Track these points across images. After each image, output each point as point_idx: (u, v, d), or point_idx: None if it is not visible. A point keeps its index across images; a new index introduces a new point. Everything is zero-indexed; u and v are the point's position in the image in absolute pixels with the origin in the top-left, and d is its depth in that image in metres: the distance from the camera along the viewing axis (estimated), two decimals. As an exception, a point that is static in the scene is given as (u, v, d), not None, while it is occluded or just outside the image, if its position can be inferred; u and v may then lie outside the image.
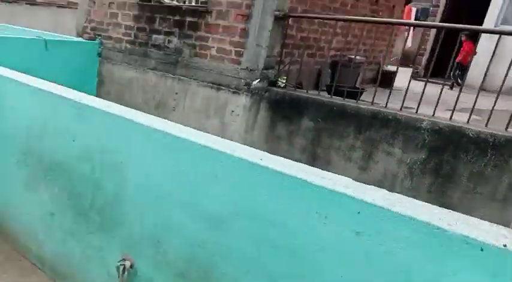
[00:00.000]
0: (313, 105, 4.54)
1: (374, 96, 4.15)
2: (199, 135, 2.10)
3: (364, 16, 6.33)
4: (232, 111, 5.26)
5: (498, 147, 3.47)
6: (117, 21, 6.16)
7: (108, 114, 2.46)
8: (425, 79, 4.07)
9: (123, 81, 6.39)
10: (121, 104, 6.70)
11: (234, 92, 5.16)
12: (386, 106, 4.08)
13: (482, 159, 3.56)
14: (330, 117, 4.43)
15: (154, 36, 5.78)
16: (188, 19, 5.32)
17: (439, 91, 3.88)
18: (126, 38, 6.15)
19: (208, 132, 5.76)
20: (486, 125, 3.56)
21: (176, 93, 5.77)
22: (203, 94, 5.46)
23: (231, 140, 5.57)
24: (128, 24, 6.05)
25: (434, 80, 5.12)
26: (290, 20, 4.66)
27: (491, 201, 3.62)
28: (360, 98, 4.45)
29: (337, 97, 4.45)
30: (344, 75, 4.73)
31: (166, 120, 2.46)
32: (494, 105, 3.51)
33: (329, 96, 4.51)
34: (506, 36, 3.60)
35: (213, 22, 5.05)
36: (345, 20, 4.82)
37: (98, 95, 6.91)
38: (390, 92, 4.02)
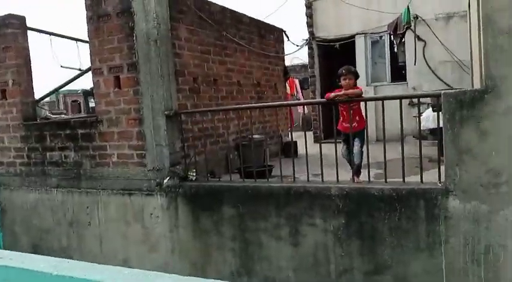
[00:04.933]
0: (229, 192, 4.84)
1: (281, 173, 4.53)
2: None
3: (250, 98, 7.08)
4: (151, 214, 5.41)
5: (403, 200, 3.94)
6: (5, 145, 6.20)
7: None
8: (327, 141, 4.55)
9: (27, 205, 6.33)
10: (30, 230, 6.52)
11: (147, 195, 5.34)
12: (294, 180, 4.46)
13: (394, 214, 4.00)
14: (248, 201, 4.74)
15: (49, 153, 5.88)
16: (80, 131, 5.52)
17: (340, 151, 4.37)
18: (18, 160, 6.17)
19: (132, 240, 5.76)
20: (386, 181, 4.04)
21: (87, 207, 5.83)
22: (116, 202, 5.57)
23: (158, 243, 5.60)
24: (17, 146, 6.11)
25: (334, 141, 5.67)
26: (183, 115, 5.04)
27: (418, 251, 4.04)
28: (271, 175, 4.81)
29: (249, 179, 4.79)
30: (249, 155, 5.12)
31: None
32: (385, 158, 4.01)
33: (241, 180, 4.83)
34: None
35: (107, 130, 5.30)
36: (232, 109, 5.36)
37: (2, 226, 6.75)
38: (293, 165, 4.44)
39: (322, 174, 4.41)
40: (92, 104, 10.43)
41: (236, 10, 7.21)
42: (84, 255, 5.88)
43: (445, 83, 9.05)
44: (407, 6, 8.32)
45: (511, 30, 3.59)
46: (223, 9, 6.76)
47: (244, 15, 7.45)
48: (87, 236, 5.91)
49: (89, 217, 5.86)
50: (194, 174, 5.08)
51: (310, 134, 8.25)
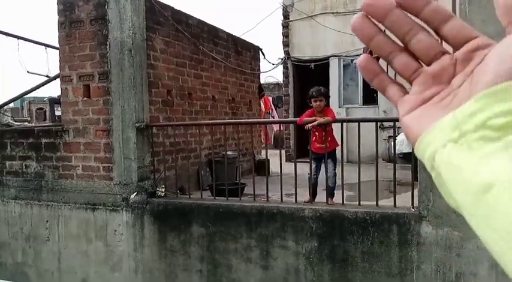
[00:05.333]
0: (199, 210, 4.66)
1: (254, 192, 4.41)
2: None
3: (224, 114, 7.01)
4: (115, 231, 5.14)
5: (376, 224, 3.89)
6: (-40, 152, 5.80)
7: None
8: (299, 160, 4.48)
9: (-20, 217, 5.91)
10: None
11: (112, 210, 5.08)
12: (267, 199, 4.35)
13: (367, 238, 3.94)
14: (218, 220, 4.57)
15: (8, 162, 5.53)
16: (44, 140, 5.22)
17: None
18: (-26, 169, 5.78)
19: (93, 258, 5.49)
20: (359, 204, 3.99)
21: (47, 221, 5.49)
22: (78, 217, 5.28)
23: (121, 262, 5.36)
24: (-27, 154, 5.72)
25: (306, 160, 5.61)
26: (154, 128, 4.86)
27: (390, 277, 3.98)
28: (243, 193, 4.68)
29: (221, 197, 4.63)
30: (222, 172, 4.99)
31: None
32: (359, 180, 3.97)
33: (212, 197, 4.68)
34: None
35: (72, 140, 5.04)
36: (205, 124, 5.23)
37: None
38: (267, 184, 4.33)
39: (296, 194, 4.32)
40: (58, 113, 10.07)
41: (214, 25, 7.14)
42: (41, 273, 5.52)
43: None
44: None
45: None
46: (201, 23, 6.68)
47: (222, 30, 7.39)
48: (44, 252, 5.55)
49: (48, 232, 5.51)
50: (163, 190, 4.87)
51: (283, 152, 8.24)
